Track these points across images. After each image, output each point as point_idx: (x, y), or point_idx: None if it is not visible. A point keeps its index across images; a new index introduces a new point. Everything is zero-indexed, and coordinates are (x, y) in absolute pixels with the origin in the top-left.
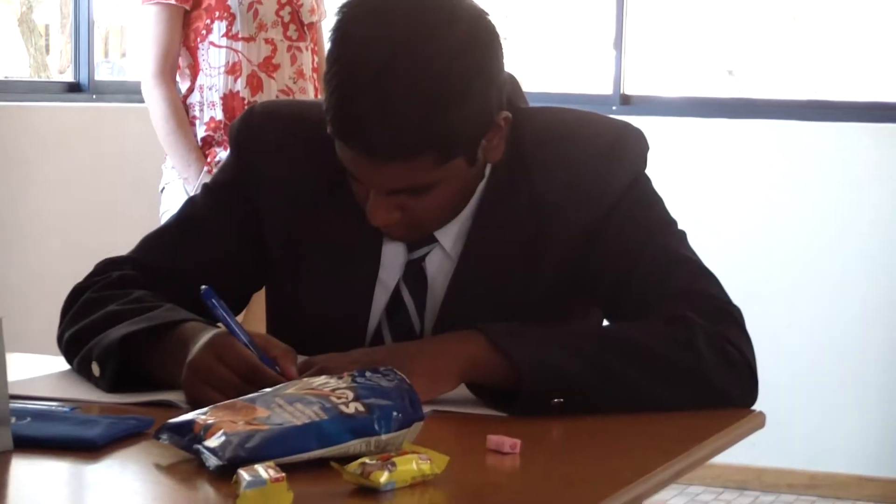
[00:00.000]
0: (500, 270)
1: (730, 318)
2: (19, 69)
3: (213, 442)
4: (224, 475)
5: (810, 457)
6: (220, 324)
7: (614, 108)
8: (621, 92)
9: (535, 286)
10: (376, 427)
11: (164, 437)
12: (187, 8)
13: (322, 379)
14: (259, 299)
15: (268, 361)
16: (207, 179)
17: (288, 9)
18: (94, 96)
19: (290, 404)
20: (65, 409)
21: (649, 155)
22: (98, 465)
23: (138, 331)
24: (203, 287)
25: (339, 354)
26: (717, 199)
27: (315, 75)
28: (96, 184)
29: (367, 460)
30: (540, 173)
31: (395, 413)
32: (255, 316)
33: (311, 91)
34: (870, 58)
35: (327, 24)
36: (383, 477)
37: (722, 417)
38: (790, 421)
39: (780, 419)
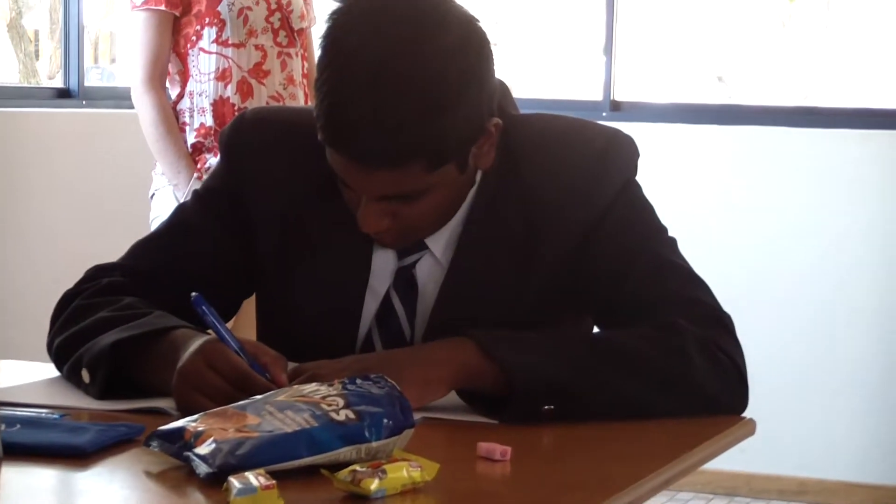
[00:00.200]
0: (490, 277)
1: (720, 324)
2: (8, 75)
3: (204, 449)
4: (214, 483)
5: (800, 463)
6: (210, 330)
7: (604, 114)
8: (611, 98)
9: (526, 293)
10: (367, 434)
11: (155, 444)
12: (177, 14)
13: (312, 386)
14: (249, 306)
15: (258, 368)
16: (197, 186)
17: (278, 15)
18: (83, 102)
19: (280, 411)
20: (54, 415)
21: (639, 161)
22: (88, 473)
23: (128, 337)
24: (193, 294)
25: (330, 361)
26: (707, 205)
27: (305, 81)
28: (86, 190)
29: (357, 468)
30: (530, 180)
31: (385, 420)
32: (245, 323)
33: (301, 97)
34: (859, 64)
35: (317, 31)
36: (374, 484)
37: (712, 424)
38: (780, 427)
39: (770, 426)
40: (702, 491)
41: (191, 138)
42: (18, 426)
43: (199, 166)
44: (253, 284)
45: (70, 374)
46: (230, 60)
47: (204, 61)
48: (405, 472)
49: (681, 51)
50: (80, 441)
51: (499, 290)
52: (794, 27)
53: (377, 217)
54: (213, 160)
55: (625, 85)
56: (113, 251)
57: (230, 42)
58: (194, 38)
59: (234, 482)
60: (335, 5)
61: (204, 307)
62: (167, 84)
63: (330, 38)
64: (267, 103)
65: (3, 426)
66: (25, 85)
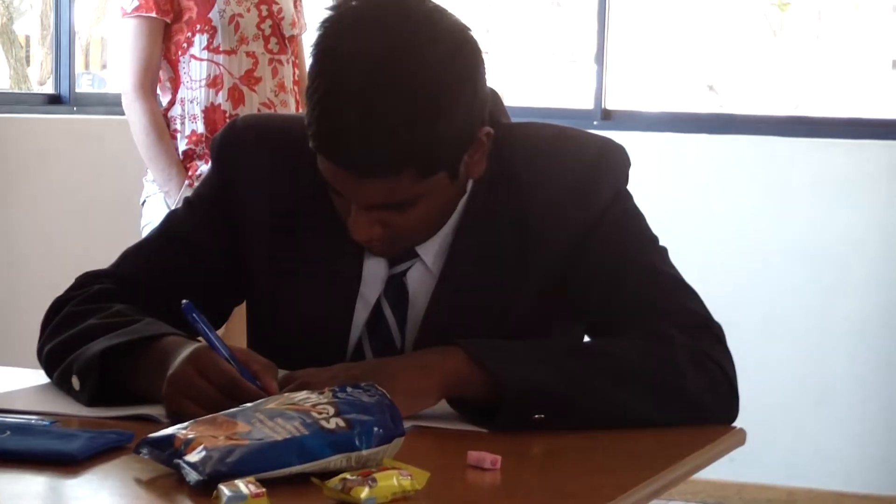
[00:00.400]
0: (481, 286)
1: (711, 334)
2: None
3: (194, 457)
4: (205, 490)
5: (789, 472)
6: (200, 338)
7: (595, 122)
8: (602, 107)
9: (517, 302)
10: (357, 442)
11: (145, 451)
12: (168, 21)
13: (303, 394)
14: (240, 313)
15: (248, 376)
16: (189, 193)
17: (269, 22)
18: (74, 108)
19: (270, 419)
20: (44, 422)
21: (631, 171)
22: (78, 480)
23: (118, 344)
24: (184, 301)
25: (320, 369)
26: (698, 214)
27: (296, 88)
28: (77, 197)
29: (347, 476)
30: (522, 189)
31: (375, 428)
32: (236, 330)
33: (292, 104)
34: (850, 74)
35: (308, 38)
36: (364, 493)
37: (703, 434)
38: (769, 437)
39: (760, 435)
40: (692, 500)
41: (182, 145)
42: (8, 433)
43: (190, 173)
44: (243, 291)
45: (60, 381)
46: (221, 67)
47: (195, 68)
48: (395, 480)
49: (672, 60)
50: (70, 448)
51: (490, 299)
52: (786, 37)
53: (368, 225)
54: (204, 167)
55: (616, 94)
56: (104, 258)
57: (221, 49)
58: (185, 44)
59: (224, 490)
60: (326, 13)
61: (194, 314)
62: (158, 91)
63: (321, 47)
64: (258, 110)
65: None
66: (16, 91)
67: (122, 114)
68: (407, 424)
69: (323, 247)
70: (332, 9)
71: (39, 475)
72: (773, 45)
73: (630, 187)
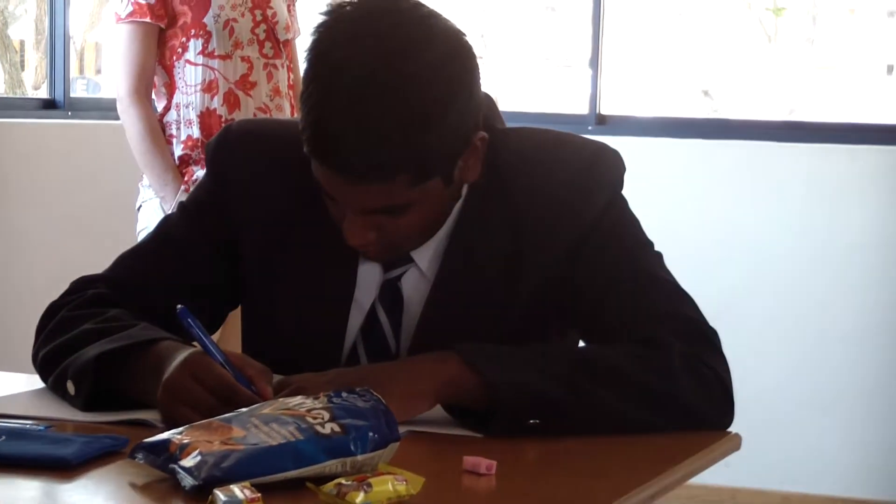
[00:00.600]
0: (476, 291)
1: (706, 339)
2: None
3: (189, 461)
4: (200, 495)
5: (784, 477)
6: (195, 343)
7: (590, 127)
8: (597, 112)
9: (512, 307)
10: (352, 447)
11: (140, 456)
12: (162, 26)
13: (298, 399)
14: (235, 318)
15: (243, 381)
16: (184, 198)
17: (263, 26)
18: (69, 113)
19: (265, 424)
20: (39, 427)
21: (625, 176)
22: (72, 485)
23: (113, 349)
24: (179, 306)
25: (315, 374)
26: (693, 219)
27: (291, 93)
28: (72, 201)
29: (342, 481)
30: (517, 194)
31: (371, 433)
32: (230, 335)
33: (287, 108)
34: (845, 79)
35: (301, 42)
36: (359, 497)
37: (698, 439)
38: (765, 442)
39: (755, 440)
40: None
41: (178, 150)
42: (3, 437)
43: (186, 179)
44: (238, 297)
45: (55, 386)
46: (216, 72)
47: (190, 73)
48: (390, 485)
49: (667, 65)
50: (65, 453)
51: (484, 304)
52: (781, 42)
53: (362, 230)
54: (200, 172)
55: (611, 99)
56: (99, 263)
57: (216, 54)
58: (180, 49)
59: (220, 495)
60: (320, 18)
61: (189, 319)
62: (153, 96)
63: (315, 51)
64: (254, 115)
65: None
66: (11, 96)
67: (117, 118)
68: (402, 429)
69: (317, 252)
70: (326, 13)
71: (34, 480)
72: (768, 50)
73: (625, 192)
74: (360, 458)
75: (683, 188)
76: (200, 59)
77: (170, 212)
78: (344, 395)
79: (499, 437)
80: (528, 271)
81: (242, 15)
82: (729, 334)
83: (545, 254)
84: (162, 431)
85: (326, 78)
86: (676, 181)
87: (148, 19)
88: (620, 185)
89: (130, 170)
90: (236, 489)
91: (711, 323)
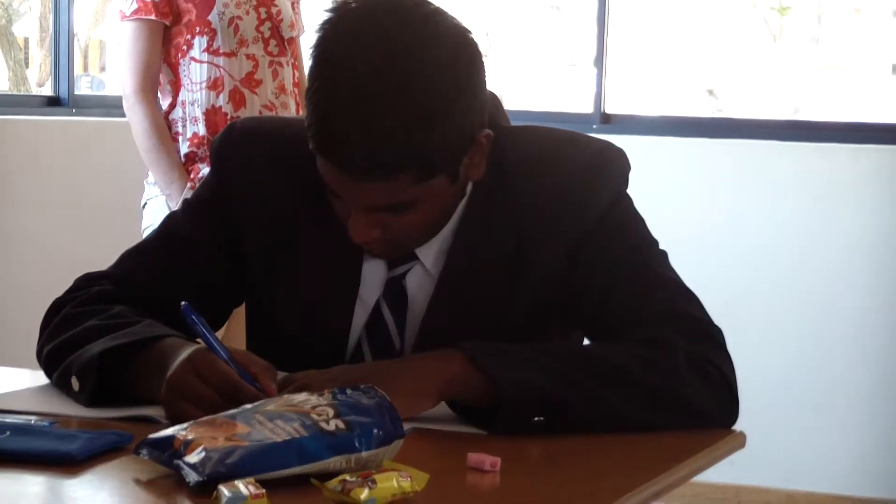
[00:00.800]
0: (480, 289)
1: (710, 338)
2: None
3: (194, 458)
4: (204, 491)
5: (788, 476)
6: (199, 340)
7: (595, 126)
8: (602, 111)
9: (516, 305)
10: (357, 444)
11: (144, 452)
12: (167, 24)
13: (302, 396)
14: (239, 315)
15: (247, 378)
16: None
17: (268, 24)
18: (73, 110)
19: (270, 421)
20: (44, 423)
21: (630, 174)
22: (77, 480)
23: (118, 346)
24: (183, 303)
25: (319, 371)
26: (697, 218)
27: (296, 90)
28: (77, 198)
29: (347, 477)
30: (521, 192)
31: (375, 430)
32: (235, 332)
33: (292, 106)
34: (850, 78)
35: (306, 40)
36: (363, 494)
37: (702, 437)
38: (769, 440)
39: (759, 438)
40: (691, 503)
41: (184, 148)
42: (8, 433)
43: (192, 176)
44: (242, 293)
45: (59, 382)
46: (222, 70)
47: (195, 70)
48: (395, 482)
49: (672, 64)
50: (69, 448)
51: (489, 302)
52: (786, 41)
53: (367, 227)
54: (206, 170)
55: (615, 98)
56: (103, 260)
57: (221, 51)
58: (185, 47)
59: (224, 491)
60: (325, 15)
61: (193, 316)
62: (158, 94)
63: (320, 49)
64: (259, 112)
65: None
66: (15, 93)
67: (122, 116)
68: (406, 426)
69: (322, 249)
70: (331, 11)
71: (39, 475)
72: (773, 49)
73: (630, 191)
74: (364, 454)
75: (688, 187)
76: (206, 57)
77: (175, 209)
78: (348, 391)
79: (503, 435)
80: (533, 269)
81: (247, 13)
82: (732, 333)
83: (549, 252)
84: (166, 428)
85: (331, 75)
86: (681, 180)
87: (153, 16)
88: (625, 183)
89: (135, 167)
90: (241, 485)
91: (716, 321)
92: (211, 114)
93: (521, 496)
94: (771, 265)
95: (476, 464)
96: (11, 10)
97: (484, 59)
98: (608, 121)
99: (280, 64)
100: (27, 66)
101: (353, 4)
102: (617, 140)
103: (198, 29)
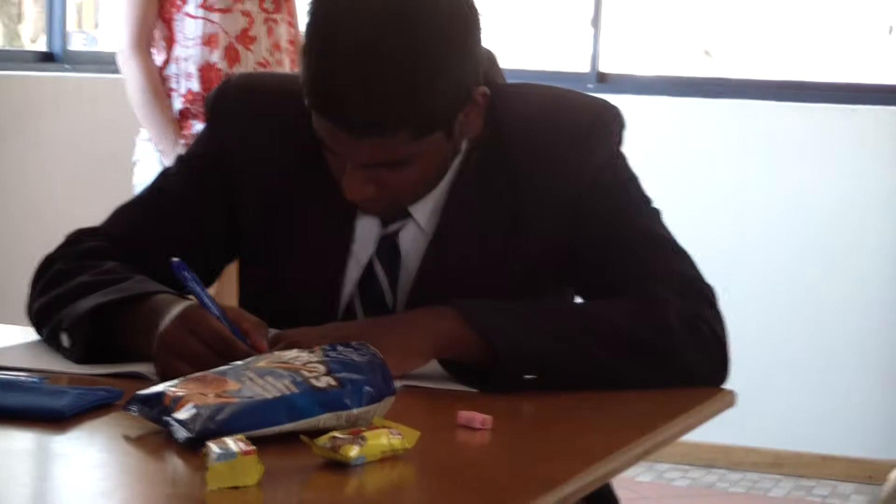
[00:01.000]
0: (473, 246)
1: (703, 296)
2: None
3: (183, 414)
4: (193, 448)
5: (776, 436)
6: (191, 296)
7: (590, 85)
8: (598, 70)
9: (509, 263)
10: (347, 401)
11: (134, 408)
12: None
13: (293, 353)
14: (231, 273)
15: (239, 334)
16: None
17: None
18: (67, 66)
19: (260, 377)
20: (34, 379)
21: (625, 133)
22: (66, 436)
23: (109, 302)
24: (174, 259)
25: (311, 329)
26: (692, 177)
27: (291, 48)
28: (69, 154)
29: (337, 434)
30: (517, 150)
31: (366, 388)
32: (226, 289)
33: (287, 63)
34: (847, 39)
35: None
36: (353, 451)
37: (692, 396)
38: (758, 400)
39: (748, 398)
40: (679, 462)
41: (178, 104)
42: None
43: (185, 132)
44: (235, 250)
45: (50, 338)
46: (217, 25)
47: (190, 26)
48: (385, 439)
49: (668, 23)
50: (59, 404)
51: (482, 260)
52: (782, 1)
53: (362, 184)
54: (199, 126)
55: (611, 57)
56: (96, 216)
57: (216, 7)
58: (180, 2)
59: (214, 447)
60: None
61: (185, 272)
62: (153, 50)
63: (317, 6)
64: (254, 69)
65: None
66: (8, 48)
67: (115, 72)
68: (397, 384)
69: (315, 206)
70: None
71: (28, 431)
72: (770, 9)
73: (625, 150)
74: (355, 411)
75: (683, 147)
76: (200, 13)
77: (168, 165)
78: (339, 348)
79: (494, 393)
80: (526, 227)
81: None
82: (725, 292)
83: (543, 210)
84: (156, 384)
85: (329, 33)
86: (676, 140)
87: None
88: (620, 142)
89: (128, 123)
90: (230, 442)
91: (710, 280)
92: (205, 70)
93: (511, 454)
94: (765, 225)
95: (467, 421)
96: None
97: (480, 16)
98: (604, 80)
99: (275, 21)
100: (20, 22)
101: None
102: (612, 99)
103: None
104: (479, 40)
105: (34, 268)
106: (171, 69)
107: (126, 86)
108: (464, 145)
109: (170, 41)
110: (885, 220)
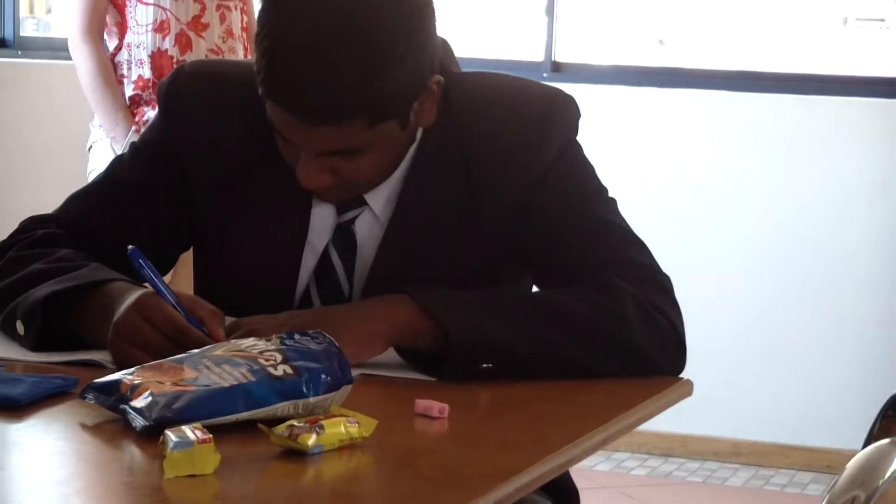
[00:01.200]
0: (429, 235)
1: (659, 285)
2: None
3: (140, 402)
4: (151, 436)
5: (735, 425)
6: (146, 284)
7: (545, 74)
8: (552, 59)
9: (465, 251)
10: (304, 390)
11: (90, 396)
12: None
13: (250, 341)
14: (187, 261)
15: (195, 322)
16: (135, 138)
17: None
18: (19, 52)
19: (217, 366)
20: None
21: (580, 122)
22: (22, 424)
23: (63, 290)
24: (130, 247)
25: (267, 317)
26: (647, 167)
27: (244, 35)
28: (22, 141)
29: (294, 423)
30: (471, 138)
31: (323, 376)
32: (182, 278)
33: (240, 51)
34: (801, 29)
35: None
36: (311, 440)
37: (650, 385)
38: (716, 389)
39: (706, 388)
40: (637, 451)
41: (129, 90)
42: None
43: (137, 119)
44: (190, 238)
45: (4, 326)
46: (168, 12)
47: (141, 13)
48: (343, 427)
49: (622, 13)
50: (14, 392)
51: (438, 248)
52: None
53: (316, 172)
54: (151, 113)
55: (566, 46)
56: (49, 203)
57: None
58: None
59: (171, 435)
60: None
61: (140, 260)
62: (105, 36)
63: None
64: (206, 56)
65: None
66: None
67: (68, 58)
68: (355, 372)
69: (270, 194)
70: None
71: None
72: None
73: (580, 139)
74: (312, 400)
75: (638, 136)
76: None
77: (121, 152)
78: (296, 337)
79: (451, 382)
80: (482, 216)
81: None
82: (683, 282)
83: (499, 198)
84: (112, 372)
85: (282, 19)
86: (631, 129)
87: None
88: (575, 131)
89: (81, 110)
90: (187, 430)
91: (666, 270)
92: (157, 57)
93: (469, 443)
94: (720, 215)
95: (424, 410)
96: None
97: (434, 5)
98: (559, 69)
99: (228, 7)
100: None
101: None
102: (567, 88)
103: None
104: (433, 29)
105: None
106: (123, 55)
107: (77, 72)
108: (419, 133)
109: (122, 27)
110: (841, 210)
